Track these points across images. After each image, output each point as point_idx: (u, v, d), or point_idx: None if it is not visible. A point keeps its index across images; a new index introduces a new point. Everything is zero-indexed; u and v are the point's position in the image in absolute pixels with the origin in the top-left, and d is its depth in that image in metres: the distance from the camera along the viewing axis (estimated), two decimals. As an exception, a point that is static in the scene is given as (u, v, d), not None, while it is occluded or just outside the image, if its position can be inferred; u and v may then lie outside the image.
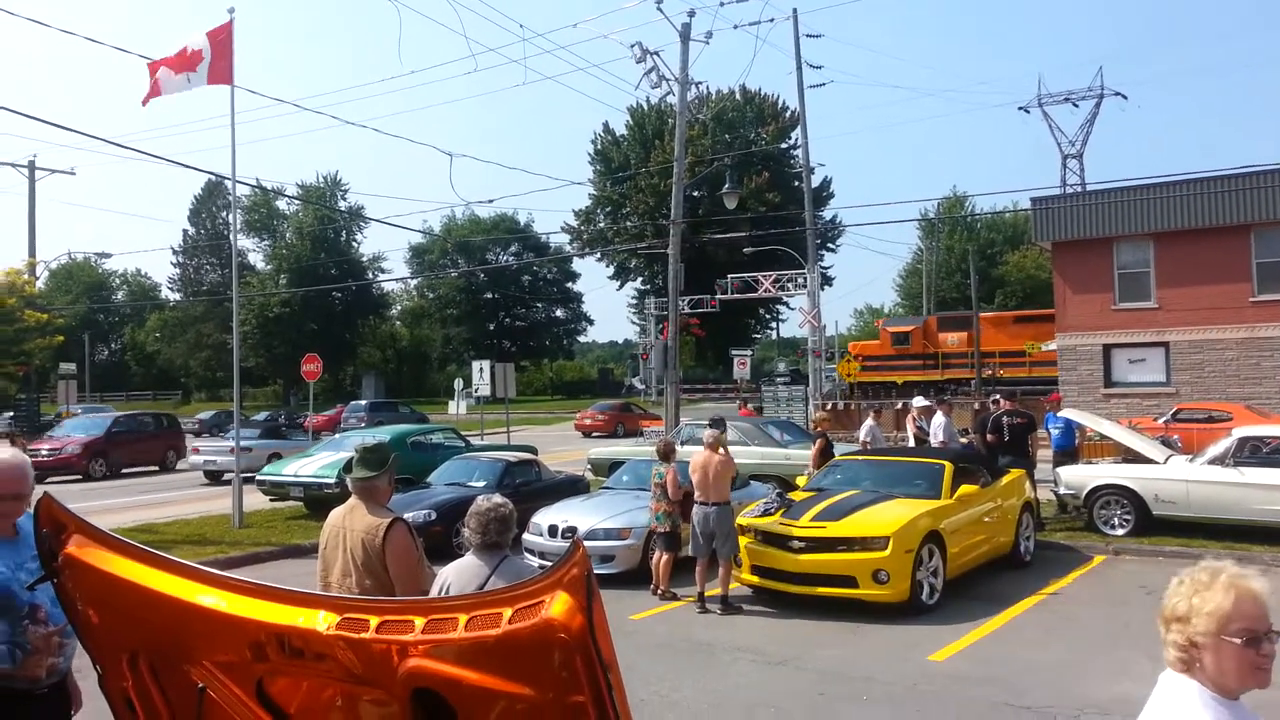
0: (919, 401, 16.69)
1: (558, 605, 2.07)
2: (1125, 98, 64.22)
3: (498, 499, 3.99)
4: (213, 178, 67.20)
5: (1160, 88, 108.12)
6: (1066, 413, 15.41)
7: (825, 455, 13.02)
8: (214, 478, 22.24)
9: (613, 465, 16.28)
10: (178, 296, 79.94)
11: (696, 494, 9.75)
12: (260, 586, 2.40)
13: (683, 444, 17.10)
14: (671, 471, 10.05)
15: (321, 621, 2.26)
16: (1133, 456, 13.43)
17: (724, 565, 9.62)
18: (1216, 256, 22.82)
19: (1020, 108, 63.69)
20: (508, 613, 2.12)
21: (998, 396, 15.82)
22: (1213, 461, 12.18)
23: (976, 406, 23.54)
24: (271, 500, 16.65)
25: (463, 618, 2.16)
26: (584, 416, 39.23)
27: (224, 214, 76.93)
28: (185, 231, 79.68)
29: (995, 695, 6.82)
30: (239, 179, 15.72)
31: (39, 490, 3.04)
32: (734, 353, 37.62)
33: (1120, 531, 12.52)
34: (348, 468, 4.60)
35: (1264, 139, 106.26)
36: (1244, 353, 22.76)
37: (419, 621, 2.19)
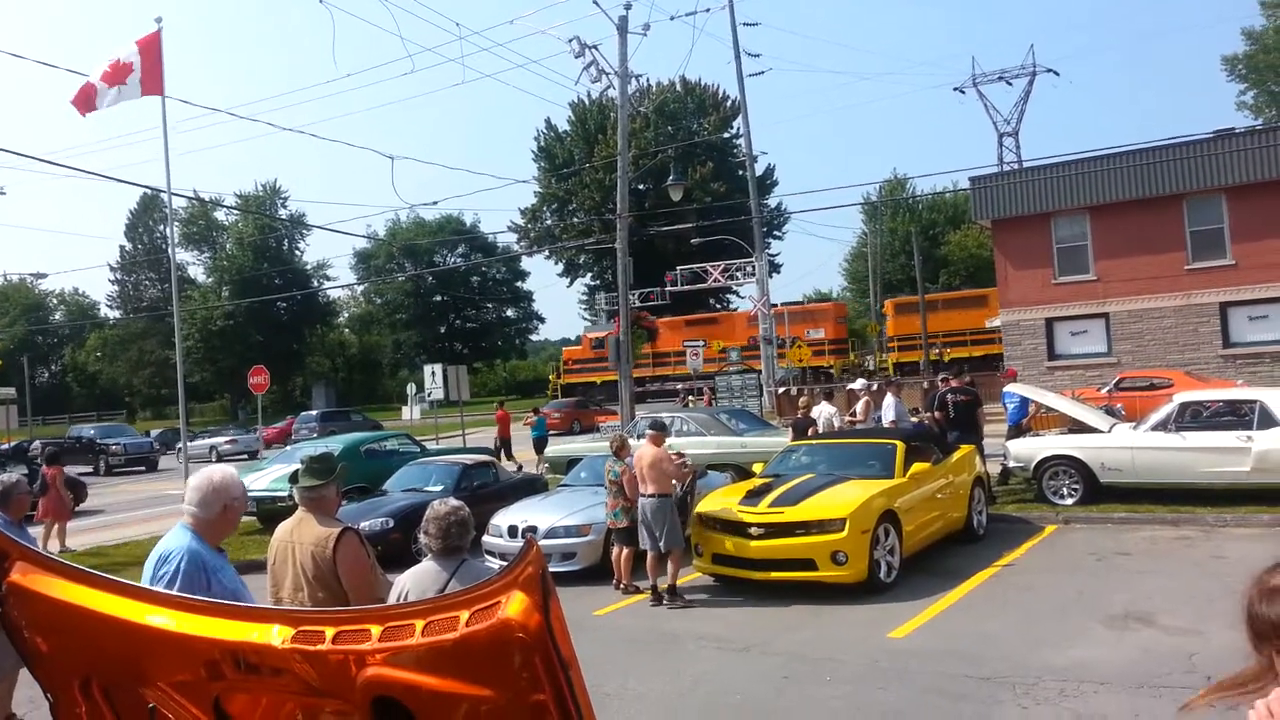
0: (858, 384, 17.08)
1: (514, 605, 2.08)
2: (1057, 74, 65.43)
3: (454, 502, 3.99)
4: (148, 191, 66.17)
5: (1088, 62, 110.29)
6: (1012, 388, 15.71)
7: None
8: None
9: (570, 462, 16.26)
10: (117, 314, 78.29)
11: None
12: (212, 604, 2.37)
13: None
14: (627, 470, 10.03)
15: (276, 635, 2.24)
16: (1078, 427, 13.74)
17: (671, 557, 9.55)
18: (1151, 227, 23.39)
19: (956, 88, 64.42)
20: (464, 615, 2.12)
21: (945, 375, 16.17)
22: (1155, 428, 12.50)
23: (926, 385, 23.92)
24: (225, 516, 16.36)
25: (419, 623, 2.15)
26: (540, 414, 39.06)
27: (161, 227, 75.48)
28: (122, 247, 78.21)
29: (955, 668, 6.95)
30: (175, 191, 15.45)
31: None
32: (686, 344, 37.69)
33: (1069, 501, 12.81)
34: (294, 478, 4.53)
35: (1191, 110, 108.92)
36: (1181, 320, 23.36)
37: (375, 630, 2.18)
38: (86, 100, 13.23)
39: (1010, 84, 62.83)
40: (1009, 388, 15.88)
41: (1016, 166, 48.28)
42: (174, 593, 2.42)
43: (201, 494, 3.60)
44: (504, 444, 25.37)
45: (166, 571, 3.46)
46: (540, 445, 22.67)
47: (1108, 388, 20.48)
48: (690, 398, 31.34)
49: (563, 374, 51.38)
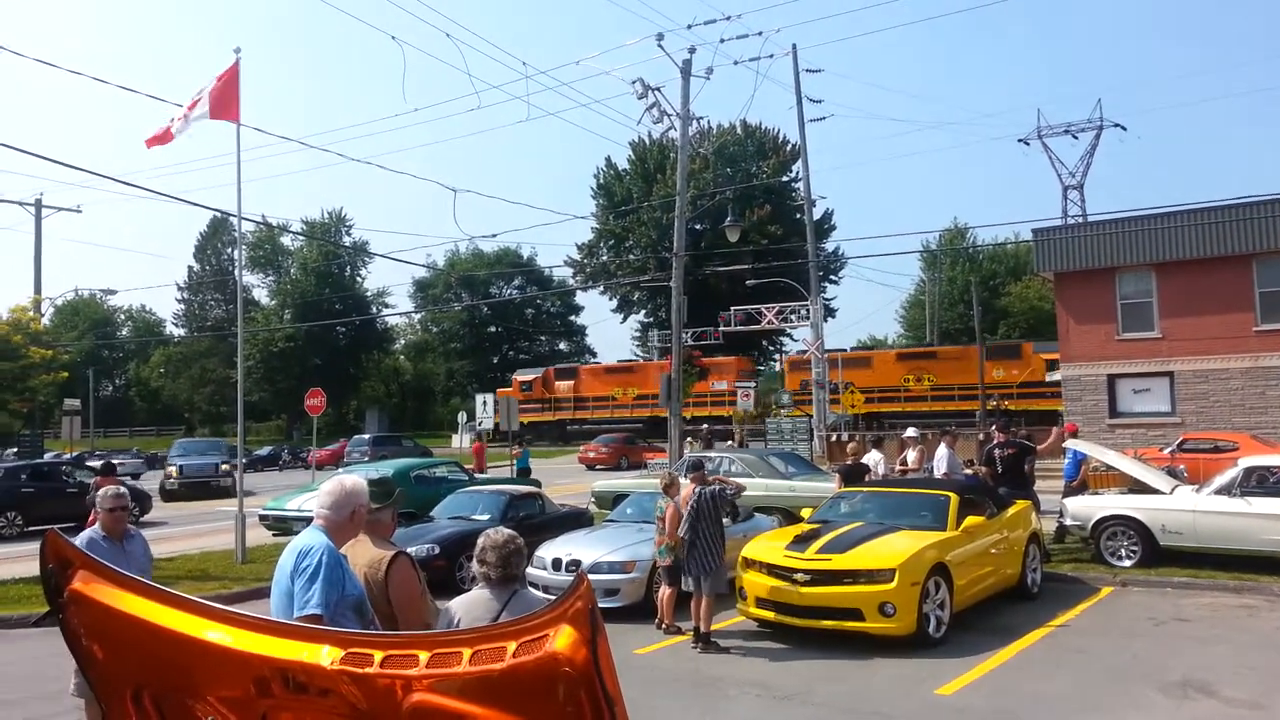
0: (910, 432, 16.81)
1: (562, 639, 2.07)
2: (1124, 129, 64.41)
3: (509, 531, 3.96)
4: (218, 214, 67.85)
5: (1157, 118, 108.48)
6: (1072, 444, 15.35)
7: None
8: None
9: (617, 498, 16.23)
10: (182, 332, 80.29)
11: None
12: (264, 621, 2.40)
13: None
14: (672, 506, 9.97)
15: (325, 656, 2.25)
16: (1139, 487, 13.38)
17: (704, 599, 9.34)
18: (1219, 286, 22.88)
19: (1020, 140, 63.77)
20: (512, 646, 2.12)
21: (994, 427, 15.91)
22: (1219, 491, 12.13)
23: (981, 438, 23.51)
24: (275, 535, 16.60)
25: (467, 652, 2.15)
26: (588, 449, 39.15)
27: (229, 250, 77.41)
28: (190, 268, 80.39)
29: (1004, 729, 6.75)
30: (244, 215, 15.86)
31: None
32: (737, 385, 37.59)
33: (1127, 563, 12.45)
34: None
35: (1263, 169, 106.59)
36: (1249, 382, 22.73)
37: (423, 656, 2.19)
38: (162, 138, 13.76)
39: (1076, 138, 62.09)
40: (1068, 443, 15.51)
41: (1081, 220, 47.60)
42: (228, 608, 2.44)
43: (334, 498, 3.81)
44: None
45: (309, 564, 3.56)
46: (523, 476, 23.22)
47: (1170, 448, 19.96)
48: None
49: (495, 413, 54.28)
